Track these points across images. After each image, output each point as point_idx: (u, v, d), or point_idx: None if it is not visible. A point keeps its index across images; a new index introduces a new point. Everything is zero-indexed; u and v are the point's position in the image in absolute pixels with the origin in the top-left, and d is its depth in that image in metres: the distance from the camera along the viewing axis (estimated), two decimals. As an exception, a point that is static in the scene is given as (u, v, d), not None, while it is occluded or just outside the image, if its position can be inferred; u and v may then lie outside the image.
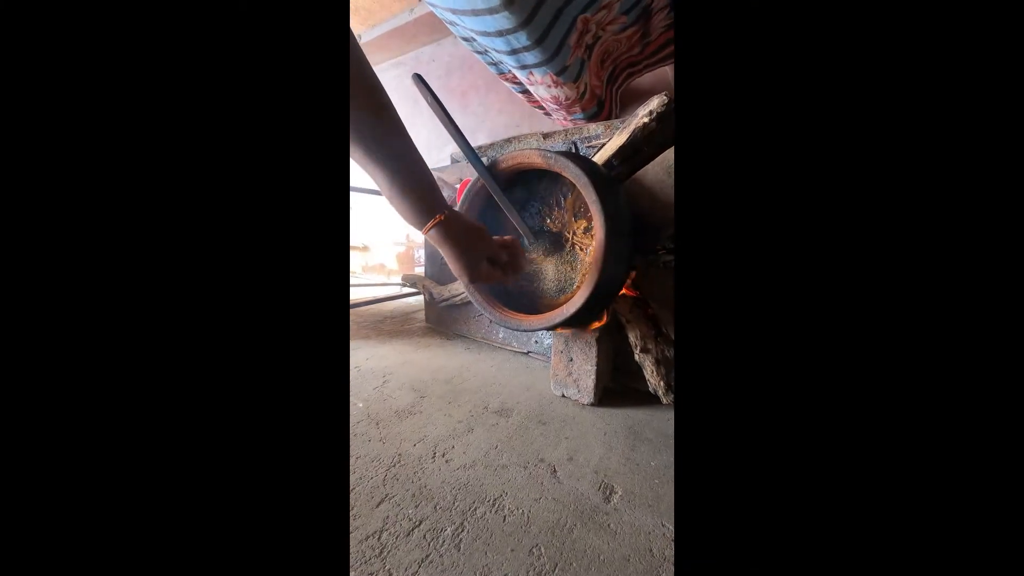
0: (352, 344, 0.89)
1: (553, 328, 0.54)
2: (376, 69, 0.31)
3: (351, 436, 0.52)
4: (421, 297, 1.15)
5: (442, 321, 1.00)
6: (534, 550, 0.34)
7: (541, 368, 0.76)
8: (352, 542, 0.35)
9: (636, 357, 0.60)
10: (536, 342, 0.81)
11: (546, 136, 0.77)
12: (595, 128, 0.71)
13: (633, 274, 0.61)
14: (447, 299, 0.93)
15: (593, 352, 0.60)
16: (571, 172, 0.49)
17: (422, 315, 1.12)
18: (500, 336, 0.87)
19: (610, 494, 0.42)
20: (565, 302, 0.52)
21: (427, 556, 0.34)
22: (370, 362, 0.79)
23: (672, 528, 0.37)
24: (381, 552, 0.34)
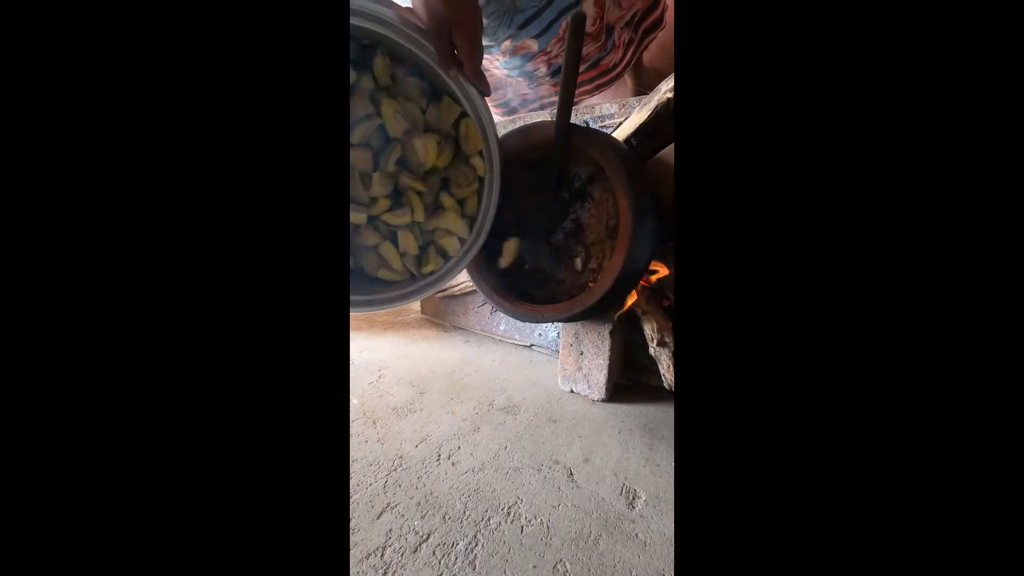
0: (343, 336, 0.84)
1: (571, 319, 0.50)
2: None
3: (346, 436, 0.47)
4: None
5: (439, 313, 0.95)
6: (559, 566, 0.31)
7: (545, 362, 0.73)
8: (352, 561, 0.30)
9: (651, 351, 0.56)
10: (540, 335, 0.78)
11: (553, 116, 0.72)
12: (608, 107, 0.66)
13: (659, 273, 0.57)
14: (445, 290, 0.88)
15: (606, 346, 0.57)
16: (594, 147, 0.44)
17: (418, 306, 1.06)
18: (501, 329, 0.83)
19: (633, 499, 0.38)
20: (583, 291, 0.48)
21: (438, 576, 0.30)
22: (364, 355, 0.74)
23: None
24: (385, 573, 0.30)
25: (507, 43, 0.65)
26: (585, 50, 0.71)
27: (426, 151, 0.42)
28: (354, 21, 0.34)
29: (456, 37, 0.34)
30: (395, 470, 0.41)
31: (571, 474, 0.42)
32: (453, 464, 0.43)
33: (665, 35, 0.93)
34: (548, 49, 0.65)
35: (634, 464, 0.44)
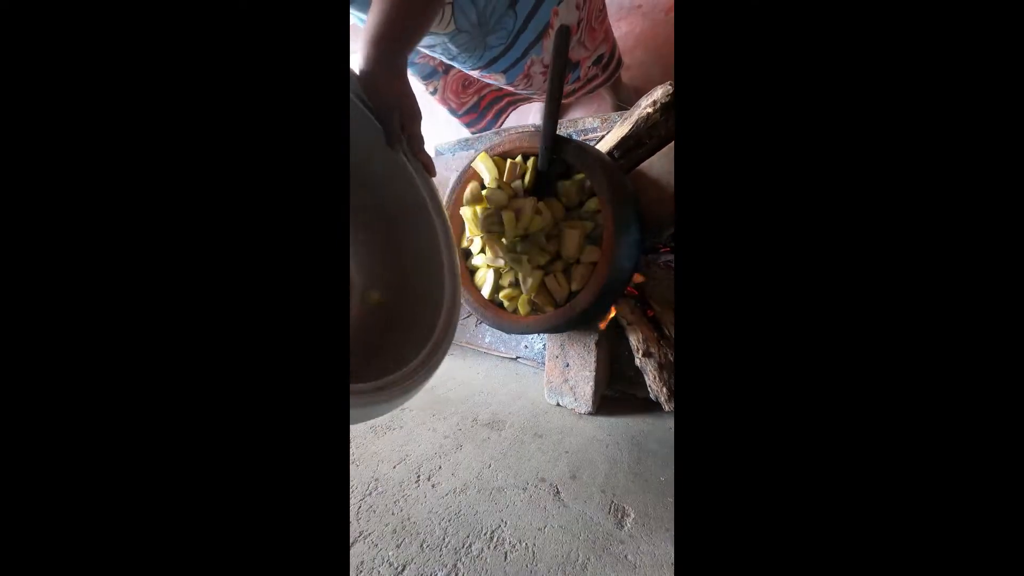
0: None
1: (556, 330, 0.49)
2: None
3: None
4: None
5: (422, 325, 0.93)
6: (544, 595, 0.29)
7: (532, 374, 0.71)
8: (316, 601, 0.27)
9: (637, 362, 0.56)
10: (526, 347, 0.76)
11: (538, 128, 0.73)
12: (591, 121, 0.68)
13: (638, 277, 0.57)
14: (429, 301, 0.86)
15: (592, 357, 0.56)
16: (578, 157, 0.45)
17: (400, 318, 1.04)
18: (486, 341, 0.81)
19: (623, 517, 0.37)
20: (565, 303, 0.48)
21: (414, 612, 0.27)
22: (341, 370, 0.70)
23: (696, 556, 0.33)
24: (354, 612, 0.27)
25: (476, 72, 0.66)
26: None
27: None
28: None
29: (402, 117, 0.37)
30: (370, 494, 0.39)
31: (558, 492, 0.40)
32: (433, 486, 0.40)
33: (643, 54, 0.97)
34: (515, 83, 0.67)
35: (622, 480, 0.42)
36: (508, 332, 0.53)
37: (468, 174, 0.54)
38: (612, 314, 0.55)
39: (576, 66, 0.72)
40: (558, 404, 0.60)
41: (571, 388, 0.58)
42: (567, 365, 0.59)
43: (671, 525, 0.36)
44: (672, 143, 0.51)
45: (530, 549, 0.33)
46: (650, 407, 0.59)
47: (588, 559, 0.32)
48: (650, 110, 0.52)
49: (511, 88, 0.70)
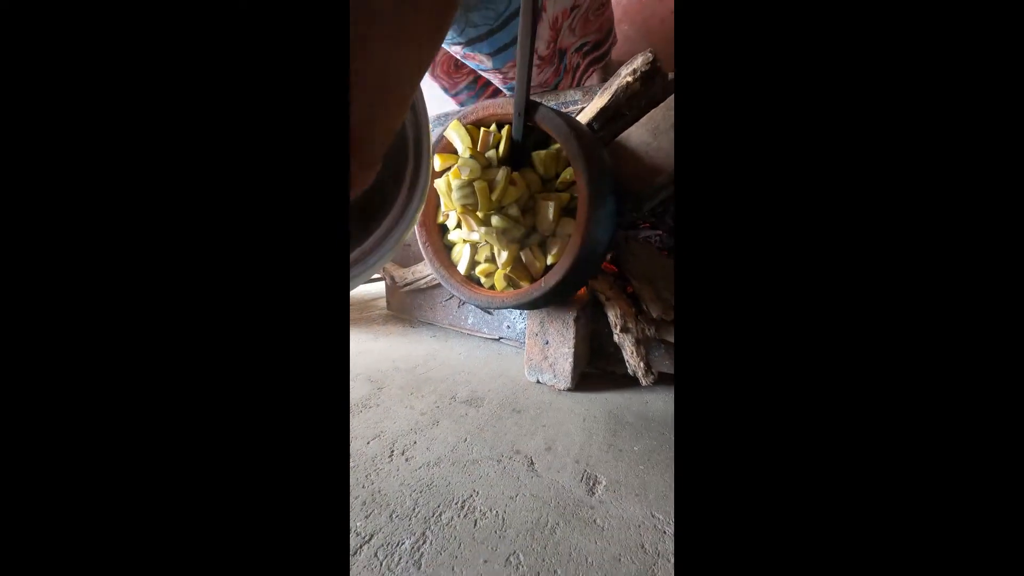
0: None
1: (533, 304, 0.48)
2: None
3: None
4: (382, 283, 1.05)
5: (405, 308, 0.92)
6: (511, 558, 0.29)
7: (514, 354, 0.71)
8: (278, 571, 0.27)
9: (615, 337, 0.56)
10: (508, 327, 0.76)
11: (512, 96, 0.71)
12: (572, 94, 0.66)
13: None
14: (411, 283, 0.85)
15: (571, 334, 0.56)
16: (552, 125, 0.43)
17: (383, 302, 1.02)
18: (469, 322, 0.81)
19: (594, 485, 0.37)
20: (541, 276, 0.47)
21: (378, 579, 0.27)
22: (319, 352, 0.69)
23: (663, 518, 0.33)
24: (317, 580, 0.27)
25: (457, 48, 0.63)
26: (542, 76, 0.71)
27: None
28: None
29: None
30: (341, 469, 0.38)
31: (532, 463, 0.40)
32: (407, 460, 0.40)
33: (629, 27, 0.94)
34: (505, 70, 0.64)
35: (596, 451, 0.43)
36: (484, 307, 0.52)
37: (440, 144, 0.52)
38: (582, 291, 0.54)
39: (562, 55, 0.69)
40: (538, 381, 0.60)
41: (551, 365, 0.58)
42: (547, 342, 0.59)
43: (641, 491, 0.36)
44: (650, 113, 0.50)
45: (500, 516, 0.33)
46: (629, 382, 0.60)
47: (557, 524, 0.32)
48: (630, 79, 0.51)
49: (500, 73, 0.67)
